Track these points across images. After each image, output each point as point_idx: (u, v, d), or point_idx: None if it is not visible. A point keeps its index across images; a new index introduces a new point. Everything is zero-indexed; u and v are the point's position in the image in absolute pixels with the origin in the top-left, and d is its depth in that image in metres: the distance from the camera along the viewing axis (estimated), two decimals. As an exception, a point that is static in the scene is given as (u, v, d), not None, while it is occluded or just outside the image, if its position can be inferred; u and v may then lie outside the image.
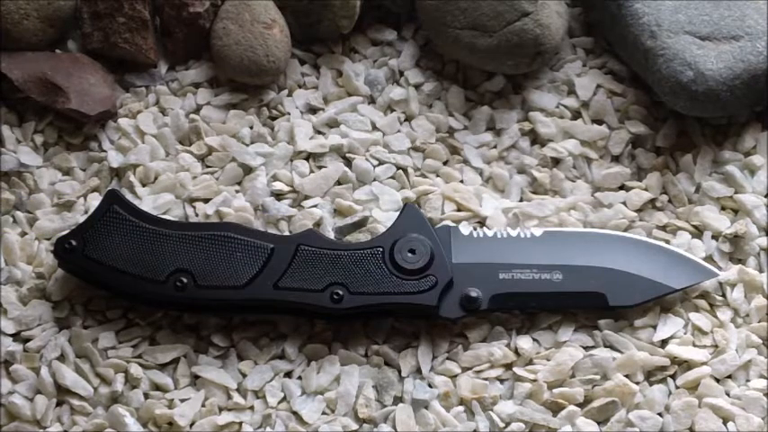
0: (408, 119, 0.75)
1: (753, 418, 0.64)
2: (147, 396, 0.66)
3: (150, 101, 0.76)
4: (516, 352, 0.67)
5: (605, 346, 0.67)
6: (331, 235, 0.70)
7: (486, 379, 0.66)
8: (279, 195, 0.72)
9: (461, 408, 0.66)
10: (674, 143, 0.74)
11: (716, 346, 0.67)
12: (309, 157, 0.73)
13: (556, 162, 0.74)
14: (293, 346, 0.67)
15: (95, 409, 0.66)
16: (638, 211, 0.72)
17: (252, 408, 0.66)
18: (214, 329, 0.67)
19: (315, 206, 0.71)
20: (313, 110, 0.75)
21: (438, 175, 0.73)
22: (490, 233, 0.69)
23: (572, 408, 0.65)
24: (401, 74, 0.77)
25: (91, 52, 0.76)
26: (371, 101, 0.76)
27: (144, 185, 0.72)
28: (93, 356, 0.66)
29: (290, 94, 0.76)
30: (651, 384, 0.66)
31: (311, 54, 0.78)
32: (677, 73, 0.71)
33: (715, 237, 0.70)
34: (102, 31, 0.75)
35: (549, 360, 0.66)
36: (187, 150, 0.73)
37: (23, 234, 0.71)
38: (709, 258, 0.70)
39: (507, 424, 0.65)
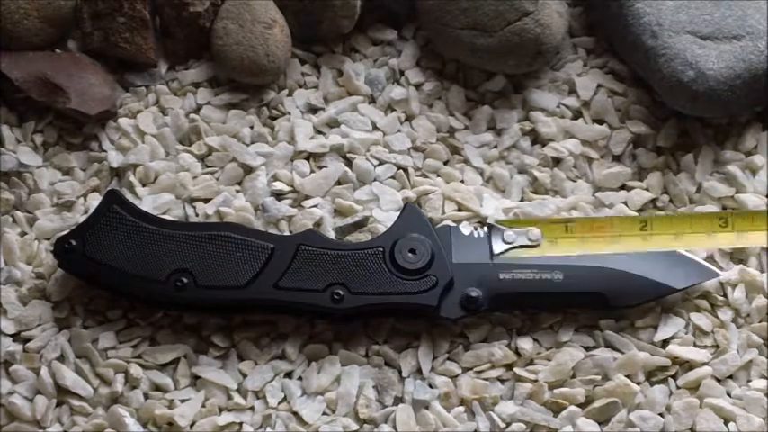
0: (409, 119, 0.75)
1: (754, 419, 0.64)
2: (147, 396, 0.66)
3: (150, 101, 0.76)
4: (517, 352, 0.67)
5: (606, 347, 0.67)
6: (331, 235, 0.70)
7: (486, 379, 0.66)
8: (279, 195, 0.72)
9: (462, 408, 0.65)
10: (675, 143, 0.74)
11: (717, 347, 0.67)
12: (310, 157, 0.73)
13: (557, 162, 0.74)
14: (294, 346, 0.67)
15: (95, 410, 0.65)
16: (639, 210, 0.72)
17: (252, 408, 0.66)
18: (214, 329, 0.67)
19: (315, 206, 0.71)
20: (313, 110, 0.75)
21: (438, 175, 0.73)
22: (491, 233, 0.69)
23: (573, 408, 0.65)
24: (402, 73, 0.77)
25: (91, 52, 0.76)
26: (372, 101, 0.76)
27: (144, 185, 0.72)
28: (93, 357, 0.66)
29: (290, 94, 0.76)
30: (652, 384, 0.66)
31: (312, 54, 0.78)
32: (678, 73, 0.71)
33: (716, 237, 0.70)
34: (102, 30, 0.75)
35: (549, 360, 0.66)
36: (187, 150, 0.73)
37: (23, 234, 0.71)
38: (710, 258, 0.70)
39: (508, 424, 0.65)
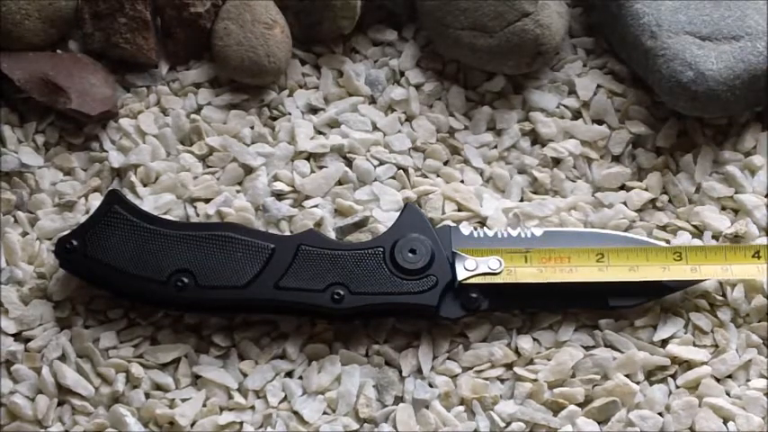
0: (409, 119, 0.75)
1: (753, 418, 0.65)
2: (148, 396, 0.66)
3: (151, 101, 0.76)
4: (517, 352, 0.67)
5: (606, 346, 0.67)
6: (332, 235, 0.70)
7: (486, 379, 0.66)
8: (280, 195, 0.72)
9: (462, 407, 0.66)
10: (674, 143, 0.74)
11: (716, 346, 0.67)
12: (310, 157, 0.73)
13: (556, 162, 0.74)
14: (294, 345, 0.67)
15: (96, 409, 0.66)
16: (639, 211, 0.72)
17: (253, 407, 0.66)
18: (215, 329, 0.68)
19: (315, 206, 0.71)
20: (314, 110, 0.76)
21: (438, 176, 0.73)
22: (491, 233, 0.69)
23: (572, 407, 0.65)
24: (402, 74, 0.77)
25: (92, 52, 0.76)
26: (372, 101, 0.76)
27: (145, 185, 0.72)
28: (94, 356, 0.66)
29: (290, 95, 0.76)
30: (651, 384, 0.66)
31: (312, 54, 0.78)
32: (677, 73, 0.71)
33: (715, 237, 0.70)
34: (103, 31, 0.75)
35: (549, 360, 0.67)
36: (188, 150, 0.74)
37: (25, 234, 0.71)
38: (709, 258, 0.70)
39: (508, 424, 0.65)
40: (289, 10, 0.76)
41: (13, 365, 0.66)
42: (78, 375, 0.66)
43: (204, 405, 0.66)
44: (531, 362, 0.67)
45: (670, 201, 0.73)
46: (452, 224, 0.70)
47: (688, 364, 0.66)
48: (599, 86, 0.76)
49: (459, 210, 0.72)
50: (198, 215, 0.71)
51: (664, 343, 0.67)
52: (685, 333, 0.68)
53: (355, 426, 0.65)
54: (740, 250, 0.67)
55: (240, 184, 0.73)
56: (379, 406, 0.66)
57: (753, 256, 0.67)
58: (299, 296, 0.66)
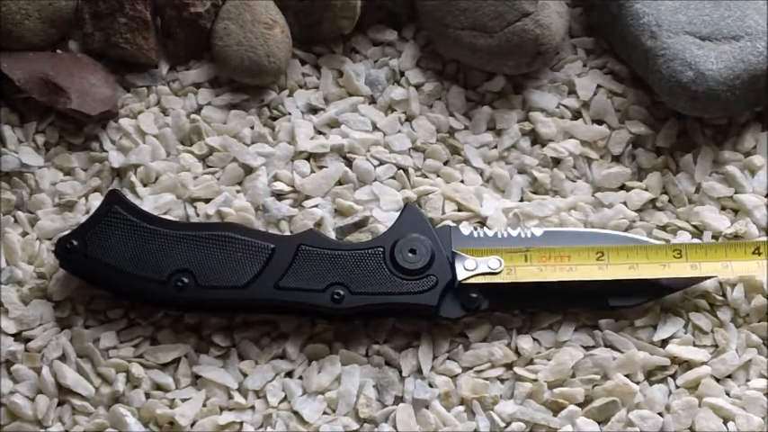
0: (409, 119, 0.75)
1: (753, 418, 0.65)
2: (148, 396, 0.66)
3: (151, 101, 0.76)
4: (517, 352, 0.67)
5: (605, 346, 0.67)
6: (332, 235, 0.70)
7: (486, 379, 0.66)
8: (280, 195, 0.72)
9: (462, 407, 0.66)
10: (674, 143, 0.74)
11: (716, 346, 0.67)
12: (310, 157, 0.73)
13: (556, 162, 0.74)
14: (294, 345, 0.67)
15: (96, 409, 0.66)
16: (639, 211, 0.72)
17: (253, 407, 0.66)
18: (215, 329, 0.68)
19: (315, 206, 0.71)
20: (314, 110, 0.76)
21: (438, 176, 0.73)
22: (491, 233, 0.69)
23: (572, 407, 0.65)
24: (402, 74, 0.77)
25: (92, 52, 0.76)
26: (372, 101, 0.76)
27: (145, 186, 0.72)
28: (94, 356, 0.66)
29: (290, 95, 0.76)
30: (651, 384, 0.66)
31: (312, 54, 0.78)
32: (677, 73, 0.71)
33: (715, 237, 0.70)
34: (103, 31, 0.75)
35: (549, 360, 0.67)
36: (188, 150, 0.74)
37: (25, 234, 0.71)
38: (709, 258, 0.70)
39: (508, 424, 0.65)
40: (289, 10, 0.76)
41: (13, 365, 0.66)
42: (78, 375, 0.66)
43: (204, 405, 0.66)
44: (531, 362, 0.67)
45: (670, 201, 0.73)
46: (452, 224, 0.70)
47: (688, 364, 0.67)
48: (599, 86, 0.76)
49: (460, 210, 0.72)
50: (198, 215, 0.71)
51: (664, 343, 0.67)
52: (685, 333, 0.68)
53: (355, 426, 0.65)
54: (740, 247, 0.67)
55: (240, 184, 0.73)
56: (379, 406, 0.66)
57: (753, 253, 0.67)
58: (299, 296, 0.66)
